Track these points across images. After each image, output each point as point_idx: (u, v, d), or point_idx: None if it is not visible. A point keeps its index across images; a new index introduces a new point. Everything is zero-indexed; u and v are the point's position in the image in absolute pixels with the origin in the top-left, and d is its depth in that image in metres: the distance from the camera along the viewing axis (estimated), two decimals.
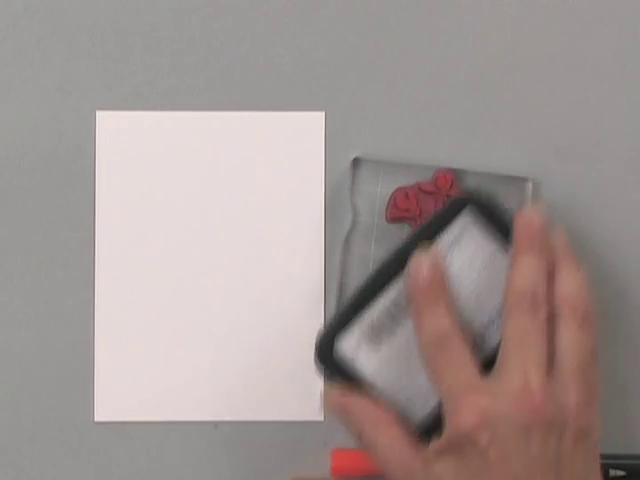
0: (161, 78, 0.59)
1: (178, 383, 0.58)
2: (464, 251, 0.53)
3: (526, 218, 0.52)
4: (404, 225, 0.58)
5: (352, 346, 0.52)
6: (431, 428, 0.51)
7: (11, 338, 0.59)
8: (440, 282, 0.51)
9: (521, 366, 0.49)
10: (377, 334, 0.52)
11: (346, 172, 0.59)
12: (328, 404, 0.54)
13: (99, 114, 0.59)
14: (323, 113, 0.59)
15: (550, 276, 0.52)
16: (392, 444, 0.51)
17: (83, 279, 0.59)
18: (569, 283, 0.51)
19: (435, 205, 0.57)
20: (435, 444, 0.50)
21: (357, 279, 0.58)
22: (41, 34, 0.59)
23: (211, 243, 0.59)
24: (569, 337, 0.50)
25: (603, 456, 0.58)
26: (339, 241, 0.58)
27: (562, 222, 0.59)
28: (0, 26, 0.59)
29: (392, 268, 0.52)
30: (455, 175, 0.58)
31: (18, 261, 0.59)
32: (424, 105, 0.59)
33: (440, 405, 0.50)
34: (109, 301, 0.59)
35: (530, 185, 0.58)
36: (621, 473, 0.57)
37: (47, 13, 0.59)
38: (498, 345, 0.51)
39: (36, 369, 0.58)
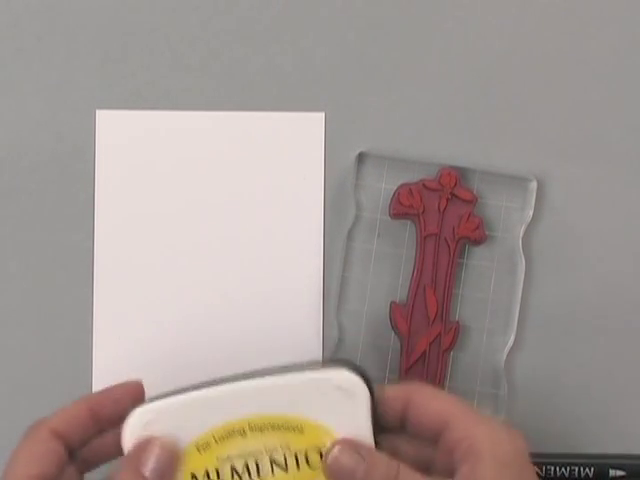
0: (161, 78, 0.59)
1: (177, 382, 0.58)
2: None
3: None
4: (407, 221, 0.58)
5: None
6: None
7: (10, 336, 0.58)
8: None
9: None
10: None
11: (346, 172, 0.59)
12: None
13: (99, 113, 0.59)
14: (323, 113, 0.59)
15: None
16: None
17: (82, 277, 0.59)
18: None
19: (439, 202, 0.58)
20: None
21: (359, 273, 0.58)
22: (41, 34, 0.59)
23: (211, 242, 0.59)
24: None
25: (602, 456, 0.58)
26: (341, 237, 0.58)
27: (564, 222, 0.59)
28: (0, 26, 0.59)
29: None
30: (459, 173, 0.58)
31: (17, 259, 0.59)
32: (426, 105, 0.59)
33: None
34: (108, 300, 0.58)
35: (534, 185, 0.58)
36: (621, 473, 0.57)
37: (47, 13, 0.59)
38: None
39: (35, 366, 0.58)
